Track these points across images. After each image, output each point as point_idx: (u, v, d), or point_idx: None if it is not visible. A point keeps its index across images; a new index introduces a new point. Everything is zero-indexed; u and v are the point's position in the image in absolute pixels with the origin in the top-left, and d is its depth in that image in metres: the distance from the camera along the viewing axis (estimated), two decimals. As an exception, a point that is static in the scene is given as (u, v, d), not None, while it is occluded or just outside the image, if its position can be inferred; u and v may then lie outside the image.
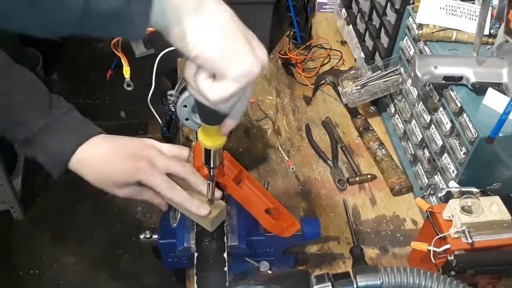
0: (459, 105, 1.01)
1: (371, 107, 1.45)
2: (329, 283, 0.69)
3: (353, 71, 1.43)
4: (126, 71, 1.01)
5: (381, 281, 0.69)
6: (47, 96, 0.85)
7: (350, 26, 1.60)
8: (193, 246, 0.92)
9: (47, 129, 0.82)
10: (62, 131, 0.83)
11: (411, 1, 1.18)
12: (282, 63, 1.62)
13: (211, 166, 0.81)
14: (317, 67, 1.60)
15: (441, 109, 1.09)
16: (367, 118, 1.41)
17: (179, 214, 0.97)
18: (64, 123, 0.83)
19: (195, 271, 0.89)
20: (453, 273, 0.88)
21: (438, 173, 1.13)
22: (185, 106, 1.00)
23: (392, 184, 1.25)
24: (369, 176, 1.28)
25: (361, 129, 1.38)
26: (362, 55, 1.49)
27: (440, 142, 1.11)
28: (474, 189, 1.01)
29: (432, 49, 1.12)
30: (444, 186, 1.08)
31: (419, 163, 1.22)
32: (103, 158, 0.83)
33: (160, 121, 1.21)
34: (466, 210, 0.90)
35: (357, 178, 1.28)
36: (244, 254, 0.96)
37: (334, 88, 1.51)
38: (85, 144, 0.82)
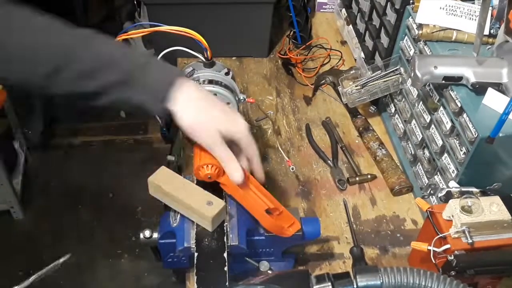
0: (459, 105, 1.01)
1: (371, 107, 1.45)
2: (329, 283, 0.69)
3: (353, 71, 1.43)
4: (126, 71, 1.01)
5: (381, 281, 0.69)
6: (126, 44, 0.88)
7: (350, 26, 1.60)
8: (193, 246, 0.92)
9: (141, 67, 0.83)
10: (157, 68, 0.84)
11: (411, 1, 1.18)
12: (282, 63, 1.62)
13: None
14: (317, 67, 1.60)
15: (441, 109, 1.09)
16: (367, 118, 1.42)
17: (179, 214, 0.97)
18: (155, 61, 0.86)
19: (195, 271, 0.88)
20: (453, 273, 0.88)
21: (438, 173, 1.13)
22: (185, 106, 1.00)
23: (392, 184, 1.25)
24: (369, 176, 1.28)
25: (361, 129, 1.38)
26: (362, 55, 1.49)
27: (440, 142, 1.11)
28: (474, 189, 1.01)
29: (432, 49, 1.12)
30: (444, 186, 1.08)
31: (419, 163, 1.23)
32: (205, 102, 0.87)
33: (160, 121, 1.21)
34: (466, 210, 0.90)
35: (357, 178, 1.28)
36: (244, 254, 0.96)
37: (334, 88, 1.51)
38: (180, 82, 0.84)
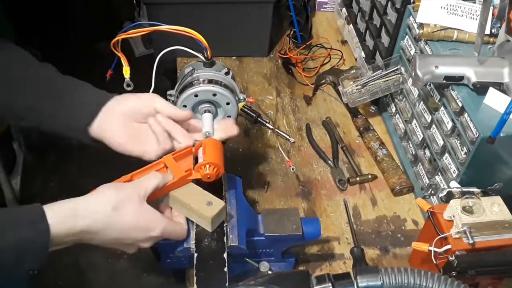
0: (460, 104, 1.01)
1: (372, 107, 1.45)
2: (330, 284, 0.69)
3: (354, 71, 1.43)
4: (126, 71, 1.01)
5: (382, 281, 0.69)
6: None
7: (351, 25, 1.60)
8: (193, 247, 0.91)
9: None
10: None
11: (412, 0, 1.18)
12: (282, 63, 1.61)
13: None
14: (317, 67, 1.59)
15: (442, 108, 1.09)
16: (367, 118, 1.41)
17: (179, 215, 0.96)
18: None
19: (195, 271, 0.88)
20: (454, 273, 0.87)
21: (439, 173, 1.12)
22: (185, 106, 1.00)
23: (393, 184, 1.24)
24: (369, 176, 1.28)
25: (361, 129, 1.38)
26: (363, 54, 1.49)
27: (441, 142, 1.10)
28: (475, 189, 1.00)
29: (433, 49, 1.12)
30: (445, 186, 1.07)
31: (420, 163, 1.22)
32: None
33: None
34: (467, 210, 0.90)
35: (358, 178, 1.27)
36: (244, 255, 0.96)
37: (334, 87, 1.50)
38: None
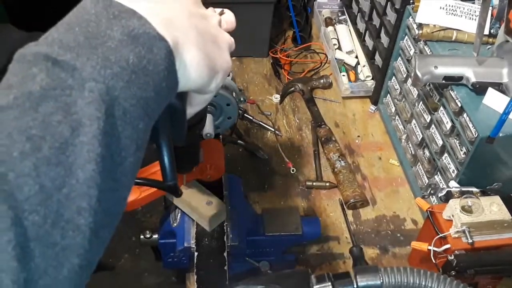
0: (459, 105, 1.01)
1: (371, 107, 1.45)
2: (329, 283, 0.69)
3: (323, 80, 1.42)
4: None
5: (381, 281, 0.69)
6: None
7: (329, 27, 1.59)
8: (193, 246, 0.92)
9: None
10: None
11: (411, 1, 1.18)
12: (272, 63, 1.59)
13: None
14: (301, 72, 1.57)
15: (441, 108, 1.09)
16: (366, 120, 1.41)
17: (179, 214, 0.97)
18: None
19: (195, 271, 0.88)
20: (453, 273, 0.87)
21: (438, 173, 1.13)
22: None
23: (346, 197, 1.22)
24: (327, 184, 1.26)
25: (323, 139, 1.35)
26: (336, 55, 1.48)
27: (440, 142, 1.11)
28: (474, 189, 1.01)
29: (432, 49, 1.12)
30: (444, 186, 1.08)
31: (419, 163, 1.22)
32: None
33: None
34: (466, 210, 0.90)
35: (314, 184, 1.26)
36: (244, 254, 0.96)
37: (303, 96, 1.48)
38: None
